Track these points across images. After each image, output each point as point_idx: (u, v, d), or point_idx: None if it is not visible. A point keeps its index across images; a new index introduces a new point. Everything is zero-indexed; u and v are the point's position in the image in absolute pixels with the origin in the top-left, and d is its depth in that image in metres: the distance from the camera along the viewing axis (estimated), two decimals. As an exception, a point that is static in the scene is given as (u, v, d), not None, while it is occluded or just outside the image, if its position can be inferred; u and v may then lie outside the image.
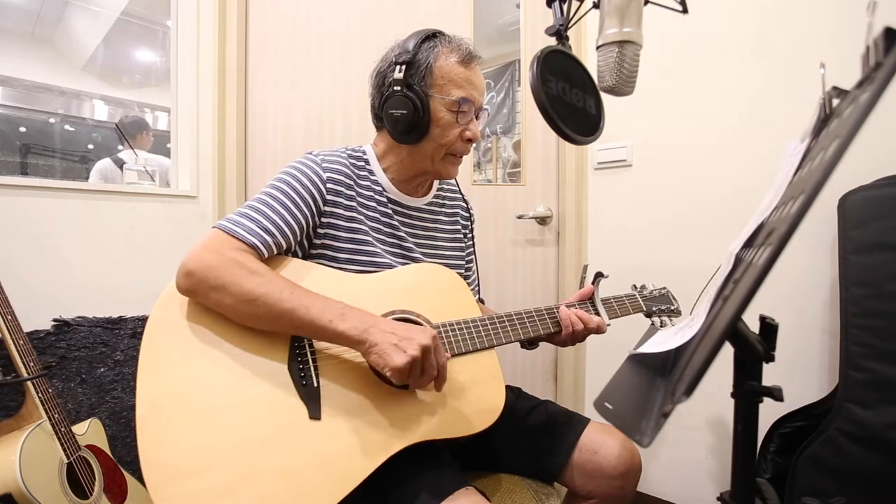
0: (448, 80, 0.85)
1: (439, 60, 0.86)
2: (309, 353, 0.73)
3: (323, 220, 0.85)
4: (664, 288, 1.05)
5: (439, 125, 0.86)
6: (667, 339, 0.57)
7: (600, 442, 0.88)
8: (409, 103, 0.84)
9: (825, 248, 1.21)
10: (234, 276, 0.69)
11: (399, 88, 0.84)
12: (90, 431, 1.10)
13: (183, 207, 1.46)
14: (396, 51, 0.88)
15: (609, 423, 0.45)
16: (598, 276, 0.96)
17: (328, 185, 0.85)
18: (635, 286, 1.04)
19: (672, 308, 1.02)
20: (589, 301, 0.96)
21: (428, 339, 0.69)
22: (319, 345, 0.75)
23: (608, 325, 0.93)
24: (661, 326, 0.99)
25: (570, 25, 0.69)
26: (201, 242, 0.73)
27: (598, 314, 0.94)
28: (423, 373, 0.70)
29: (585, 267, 1.04)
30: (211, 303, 0.71)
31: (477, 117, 0.90)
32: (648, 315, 1.01)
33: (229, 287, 0.69)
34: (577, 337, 0.91)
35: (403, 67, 0.84)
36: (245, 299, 0.69)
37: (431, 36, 0.88)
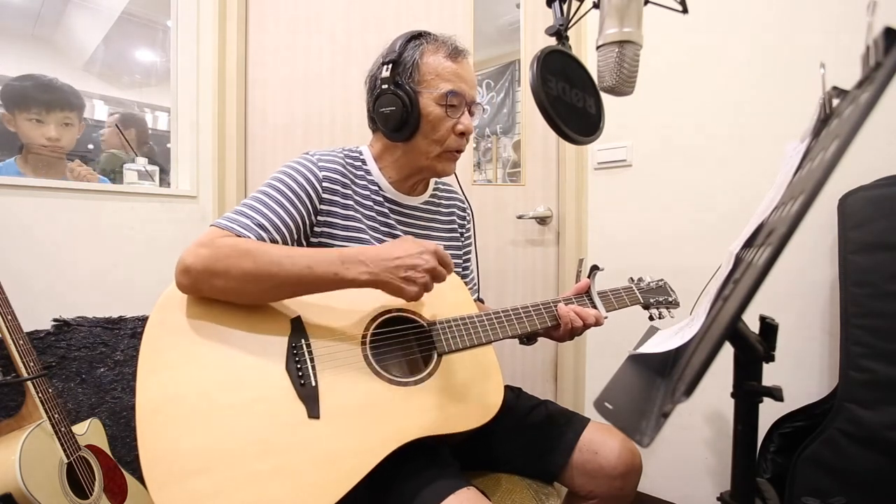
0: (435, 75, 0.86)
1: (425, 56, 0.87)
2: (307, 353, 0.73)
3: (319, 218, 0.85)
4: (661, 280, 1.05)
5: (429, 120, 0.86)
6: (667, 339, 0.57)
7: (600, 442, 0.88)
8: (397, 100, 0.85)
9: (825, 248, 1.21)
10: (231, 258, 0.70)
11: (387, 87, 0.85)
12: (90, 431, 1.10)
13: (183, 207, 1.46)
14: (384, 52, 0.89)
15: (609, 423, 0.45)
16: (594, 269, 0.96)
17: (324, 184, 0.85)
18: (632, 279, 1.04)
19: (670, 300, 1.02)
20: (585, 294, 0.96)
21: (433, 262, 0.73)
22: (317, 345, 0.75)
23: (605, 317, 0.93)
24: (660, 318, 0.99)
25: (570, 25, 0.69)
26: (195, 240, 0.74)
27: (594, 307, 0.94)
28: (434, 280, 0.74)
29: (581, 261, 1.04)
30: (216, 292, 0.71)
31: (470, 112, 0.90)
32: (646, 307, 1.00)
33: (230, 271, 0.69)
34: (575, 332, 0.91)
35: (390, 66, 0.86)
36: (249, 278, 0.70)
37: (417, 35, 0.89)
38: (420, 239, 0.76)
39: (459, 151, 0.92)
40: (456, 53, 0.88)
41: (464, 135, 0.89)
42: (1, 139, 1.30)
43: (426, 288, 0.73)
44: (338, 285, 0.73)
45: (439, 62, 0.86)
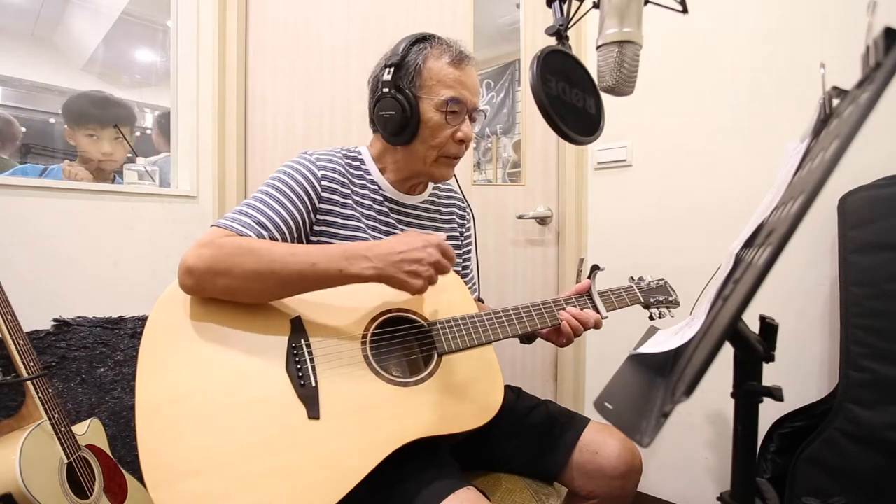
0: (437, 81, 0.85)
1: (428, 62, 0.86)
2: (306, 354, 0.73)
3: (319, 217, 0.85)
4: (662, 279, 1.05)
5: (429, 126, 0.86)
6: (667, 339, 0.57)
7: (600, 442, 0.88)
8: (396, 104, 0.84)
9: (825, 248, 1.21)
10: (234, 257, 0.70)
11: (388, 90, 0.85)
12: (90, 431, 1.10)
13: (183, 207, 1.46)
14: (388, 54, 0.89)
15: (609, 423, 0.45)
16: (595, 268, 0.96)
17: (323, 183, 0.85)
18: (632, 278, 1.04)
19: (670, 299, 1.01)
20: (586, 295, 0.96)
21: (436, 255, 0.73)
22: (317, 344, 0.75)
23: (605, 317, 0.93)
24: (660, 318, 0.99)
25: (570, 25, 0.69)
26: (197, 240, 0.74)
27: (595, 308, 0.93)
28: (437, 273, 0.74)
29: (582, 260, 1.04)
30: (220, 291, 0.71)
31: (472, 119, 0.89)
32: (647, 306, 1.00)
33: (234, 269, 0.70)
34: (575, 336, 0.91)
35: (392, 69, 0.85)
36: (253, 276, 0.70)
37: (422, 38, 0.88)
38: (424, 232, 0.76)
39: (458, 157, 0.92)
40: (460, 59, 0.87)
41: (463, 142, 0.89)
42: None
43: (431, 281, 0.73)
44: (342, 281, 0.73)
45: (442, 68, 0.86)
